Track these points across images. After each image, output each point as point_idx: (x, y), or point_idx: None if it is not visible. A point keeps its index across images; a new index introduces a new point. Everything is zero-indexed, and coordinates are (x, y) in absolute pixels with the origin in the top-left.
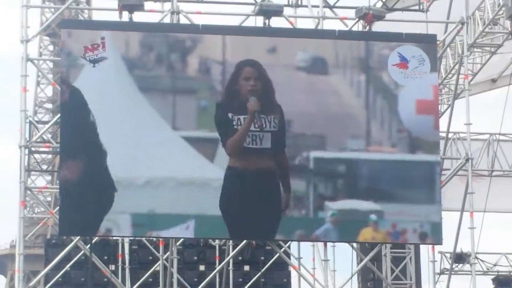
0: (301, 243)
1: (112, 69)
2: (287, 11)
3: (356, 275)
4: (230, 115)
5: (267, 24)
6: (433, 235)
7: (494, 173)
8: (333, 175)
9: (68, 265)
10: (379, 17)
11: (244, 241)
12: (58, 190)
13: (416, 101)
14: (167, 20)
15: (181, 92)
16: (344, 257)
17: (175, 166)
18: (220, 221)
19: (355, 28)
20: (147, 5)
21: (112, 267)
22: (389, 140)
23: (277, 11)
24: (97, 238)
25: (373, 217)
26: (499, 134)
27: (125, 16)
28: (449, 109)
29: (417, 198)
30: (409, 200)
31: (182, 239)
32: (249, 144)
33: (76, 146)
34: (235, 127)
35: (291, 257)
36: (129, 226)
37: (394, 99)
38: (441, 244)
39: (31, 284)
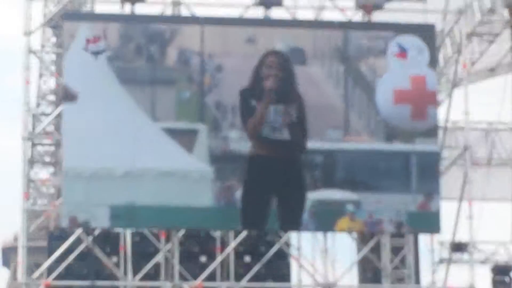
0: (301, 233)
1: (112, 60)
2: (287, 1)
3: (355, 264)
4: (253, 102)
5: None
6: (410, 224)
7: (492, 162)
8: (311, 165)
9: (71, 257)
10: (378, 7)
11: (245, 232)
12: (60, 182)
13: (393, 91)
14: (168, 11)
15: (160, 83)
16: (344, 247)
17: (155, 157)
18: (207, 212)
19: (354, 18)
20: None
21: (115, 258)
22: (367, 130)
23: (277, 2)
24: (99, 230)
25: (349, 207)
26: (498, 123)
27: (127, 8)
28: (447, 98)
29: (394, 187)
30: (386, 190)
31: (183, 231)
32: (268, 135)
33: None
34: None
35: (291, 247)
36: (107, 219)
37: (372, 89)
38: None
39: (34, 276)
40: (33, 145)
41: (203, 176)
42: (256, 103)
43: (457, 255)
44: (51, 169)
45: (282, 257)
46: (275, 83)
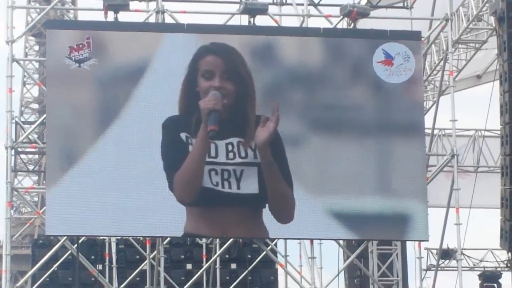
0: (288, 240)
1: (96, 69)
2: (272, 9)
3: (343, 272)
4: (183, 135)
5: (252, 22)
6: None
7: (479, 169)
8: None
9: (55, 265)
10: (364, 14)
11: (231, 239)
12: (44, 190)
13: None
14: (152, 19)
15: None
16: (331, 254)
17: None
18: None
19: (339, 26)
20: (132, 5)
21: (100, 266)
22: None
23: (262, 10)
24: (84, 238)
25: None
26: (485, 130)
27: (111, 16)
28: (434, 106)
29: None
30: None
31: (168, 238)
32: (216, 185)
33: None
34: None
35: (278, 255)
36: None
37: None
38: (427, 240)
39: (19, 284)
40: (17, 153)
41: None
42: (187, 137)
43: (445, 262)
44: (34, 178)
45: (268, 265)
46: (216, 98)
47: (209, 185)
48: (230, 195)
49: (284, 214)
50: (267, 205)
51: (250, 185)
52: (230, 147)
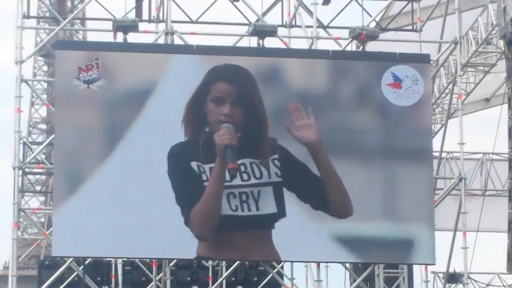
0: (294, 263)
1: (105, 90)
2: (281, 31)
3: None
4: (194, 165)
5: (261, 44)
6: None
7: (487, 193)
8: None
9: (61, 287)
10: (373, 37)
11: (238, 261)
12: (51, 211)
13: None
14: (161, 41)
15: None
16: (337, 278)
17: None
18: None
19: (348, 48)
20: (142, 26)
21: None
22: None
23: (271, 32)
24: (90, 259)
25: None
26: (493, 153)
27: (120, 37)
28: (442, 129)
29: None
30: None
31: (175, 260)
32: (236, 210)
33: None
34: (205, 184)
35: (284, 277)
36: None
37: None
38: (434, 264)
39: None
40: (24, 174)
41: None
42: (199, 166)
43: (451, 286)
44: (41, 198)
45: (275, 287)
46: (231, 132)
47: (227, 212)
48: (249, 218)
49: (345, 207)
50: (275, 226)
51: (268, 205)
52: (243, 168)
